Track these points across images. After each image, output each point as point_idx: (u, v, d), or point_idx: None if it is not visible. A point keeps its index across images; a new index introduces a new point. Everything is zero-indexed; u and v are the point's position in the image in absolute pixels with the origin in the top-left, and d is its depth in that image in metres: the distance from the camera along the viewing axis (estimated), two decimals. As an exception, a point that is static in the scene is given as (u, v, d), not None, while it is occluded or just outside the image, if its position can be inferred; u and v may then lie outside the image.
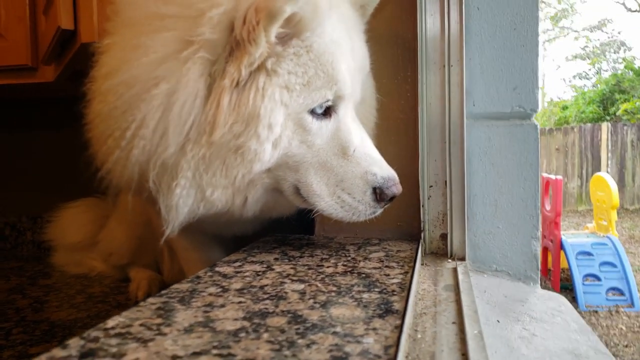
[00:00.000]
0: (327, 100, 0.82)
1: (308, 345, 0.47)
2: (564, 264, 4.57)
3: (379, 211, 0.86)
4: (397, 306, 0.59)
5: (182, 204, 0.79)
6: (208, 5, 0.74)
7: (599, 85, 14.12)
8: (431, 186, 0.98)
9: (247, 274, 0.74)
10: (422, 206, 0.99)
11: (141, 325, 0.52)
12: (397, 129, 1.02)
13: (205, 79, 0.76)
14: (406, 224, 1.01)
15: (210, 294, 0.64)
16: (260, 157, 0.78)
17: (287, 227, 1.09)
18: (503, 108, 0.98)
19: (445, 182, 0.97)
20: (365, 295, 0.63)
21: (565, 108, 14.29)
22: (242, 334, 0.50)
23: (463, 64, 0.95)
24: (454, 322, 0.61)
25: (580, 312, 4.02)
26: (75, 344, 0.47)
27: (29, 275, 1.79)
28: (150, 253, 1.54)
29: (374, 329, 0.52)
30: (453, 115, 0.96)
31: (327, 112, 0.84)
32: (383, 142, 1.00)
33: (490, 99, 0.99)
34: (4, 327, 1.28)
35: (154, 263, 1.58)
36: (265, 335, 0.50)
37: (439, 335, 0.57)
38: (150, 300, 0.61)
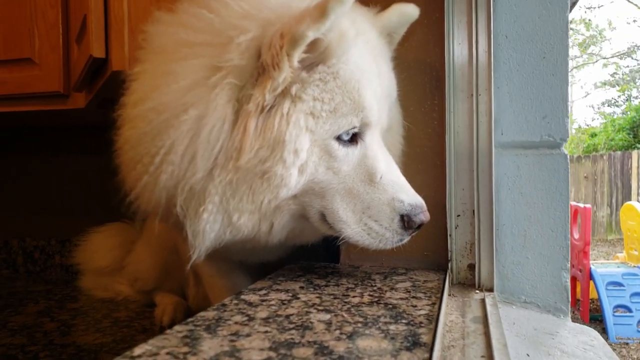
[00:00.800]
0: (354, 127, 0.82)
1: (335, 378, 0.47)
2: (593, 294, 4.44)
3: (406, 239, 0.85)
4: (424, 339, 0.58)
5: (209, 229, 0.79)
6: (236, 33, 0.76)
7: (628, 112, 13.86)
8: (459, 215, 0.97)
9: (272, 302, 0.74)
10: (450, 235, 0.97)
11: (168, 353, 0.52)
12: (424, 157, 1.02)
13: (233, 104, 0.77)
14: (433, 254, 0.99)
15: (236, 323, 0.63)
16: (287, 182, 0.78)
17: (312, 255, 1.09)
18: (532, 137, 0.97)
19: (473, 211, 0.96)
20: (392, 327, 0.62)
21: (594, 135, 14.06)
22: (268, 365, 0.50)
23: (491, 93, 0.94)
24: (482, 356, 0.59)
25: (610, 344, 3.90)
26: (103, 371, 0.47)
27: (57, 298, 1.82)
28: (176, 279, 1.54)
29: (402, 362, 0.51)
30: (481, 143, 0.95)
31: (354, 138, 0.84)
32: (410, 170, 0.99)
33: (519, 127, 0.98)
34: (32, 350, 1.30)
35: (179, 289, 1.58)
36: (292, 367, 0.49)
37: (468, 370, 0.56)
38: (177, 328, 0.61)
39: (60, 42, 1.54)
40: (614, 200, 9.63)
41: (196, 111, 0.75)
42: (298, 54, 0.75)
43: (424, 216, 0.84)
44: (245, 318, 0.65)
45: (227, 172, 0.77)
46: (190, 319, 0.64)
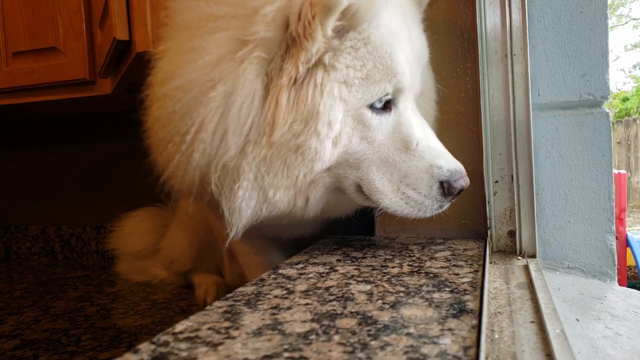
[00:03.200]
0: (387, 94, 0.79)
1: (382, 347, 0.45)
2: (630, 261, 4.33)
3: (446, 205, 0.83)
4: (471, 305, 0.56)
5: (245, 206, 0.78)
6: (262, 3, 0.73)
7: (661, 74, 13.31)
8: (497, 181, 0.94)
9: (310, 275, 0.73)
10: (488, 203, 0.94)
11: (209, 329, 0.52)
12: (459, 123, 0.98)
13: (262, 78, 0.75)
14: (471, 222, 0.97)
15: (275, 297, 0.63)
16: (321, 155, 0.76)
17: (345, 229, 1.07)
18: (571, 97, 0.93)
19: (512, 176, 0.92)
20: (435, 295, 0.60)
21: (625, 100, 13.57)
22: (312, 336, 0.49)
23: (527, 53, 0.90)
24: (532, 321, 0.57)
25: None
26: (146, 348, 0.47)
27: (95, 283, 1.86)
28: (211, 258, 1.55)
29: (450, 329, 0.49)
30: (518, 106, 0.91)
31: (387, 106, 0.81)
32: (444, 137, 0.96)
33: (557, 87, 0.93)
34: (74, 333, 1.33)
35: (216, 268, 1.59)
36: (337, 338, 0.48)
37: (517, 335, 0.54)
38: (217, 304, 0.60)
39: (84, 28, 1.54)
40: (648, 166, 9.34)
41: (224, 87, 0.74)
42: (332, 23, 0.73)
43: (464, 181, 0.81)
44: (285, 292, 0.65)
45: (260, 148, 0.75)
46: (229, 295, 0.64)
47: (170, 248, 1.63)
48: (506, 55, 0.92)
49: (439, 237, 0.97)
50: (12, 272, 2.14)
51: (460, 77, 0.98)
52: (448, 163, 0.81)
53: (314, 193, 0.83)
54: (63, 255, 2.25)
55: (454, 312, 0.54)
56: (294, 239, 1.13)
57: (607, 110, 0.92)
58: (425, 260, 0.79)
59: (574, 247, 0.93)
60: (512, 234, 0.93)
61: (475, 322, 0.50)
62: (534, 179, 0.91)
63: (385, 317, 0.53)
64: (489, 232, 0.95)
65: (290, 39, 0.74)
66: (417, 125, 0.83)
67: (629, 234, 4.42)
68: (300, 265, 0.79)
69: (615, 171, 4.47)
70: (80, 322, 1.42)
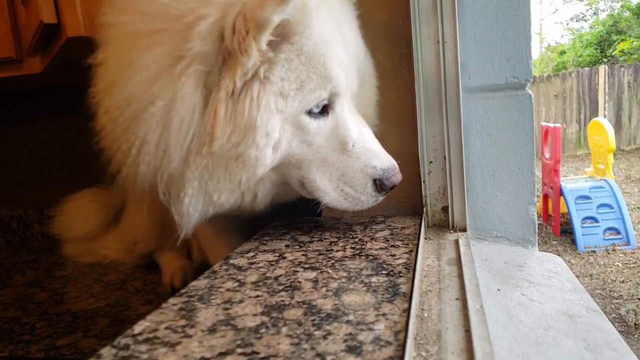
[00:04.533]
0: (323, 100, 0.83)
1: (324, 337, 0.51)
2: (563, 209, 4.68)
3: (381, 199, 0.90)
4: (404, 288, 0.62)
5: (192, 210, 0.83)
6: (195, 18, 0.74)
7: (596, 26, 13.87)
8: (431, 162, 1.01)
9: (260, 264, 0.77)
10: (423, 182, 1.01)
11: (167, 328, 0.56)
12: (396, 108, 1.04)
13: (201, 90, 0.77)
14: (409, 200, 1.04)
15: (228, 290, 0.67)
16: (262, 162, 0.80)
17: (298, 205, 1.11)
18: (498, 80, 0.99)
19: (445, 157, 0.99)
20: (374, 280, 0.66)
21: (562, 53, 14.11)
22: (263, 330, 0.54)
23: (457, 39, 0.95)
24: (457, 298, 0.64)
25: (579, 254, 4.18)
26: (107, 353, 0.51)
27: (44, 267, 1.82)
28: (176, 233, 1.55)
29: (384, 314, 0.55)
30: (449, 90, 0.97)
31: (325, 109, 0.86)
32: (383, 122, 1.02)
33: (485, 71, 1.00)
34: (27, 321, 1.32)
35: (183, 244, 1.58)
36: (284, 330, 0.54)
37: (443, 312, 0.61)
38: (172, 300, 0.64)
39: (5, 4, 1.44)
40: (582, 117, 9.85)
41: (164, 102, 0.75)
42: (266, 38, 0.75)
43: (396, 178, 0.88)
44: (237, 284, 0.69)
45: (202, 157, 0.78)
46: (183, 290, 0.68)
47: (132, 229, 1.61)
48: (438, 42, 0.97)
49: (380, 215, 1.03)
50: (-49, 259, 2.06)
51: (397, 63, 1.02)
52: (382, 162, 0.87)
53: (261, 189, 0.88)
54: (5, 239, 2.18)
55: (389, 296, 0.60)
56: (254, 217, 1.17)
57: (530, 92, 0.99)
58: (367, 242, 0.85)
59: (501, 218, 1.02)
60: (445, 209, 1.01)
61: (406, 305, 0.57)
62: (464, 158, 0.98)
63: (328, 306, 0.59)
64: (424, 209, 1.02)
65: (226, 52, 0.76)
66: (353, 126, 0.88)
67: (562, 184, 4.74)
68: (251, 254, 0.83)
69: (551, 125, 4.71)
70: (33, 309, 1.40)
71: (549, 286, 0.77)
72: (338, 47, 0.84)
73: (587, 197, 4.64)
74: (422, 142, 1.00)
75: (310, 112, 0.83)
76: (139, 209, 1.55)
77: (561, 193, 4.65)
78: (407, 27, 1.00)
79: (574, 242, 4.46)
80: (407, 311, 0.55)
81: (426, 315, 0.61)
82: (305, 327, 0.54)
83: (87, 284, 1.61)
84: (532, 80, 1.00)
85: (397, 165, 0.89)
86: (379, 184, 0.87)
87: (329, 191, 0.87)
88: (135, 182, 0.81)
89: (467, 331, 0.54)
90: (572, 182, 5.04)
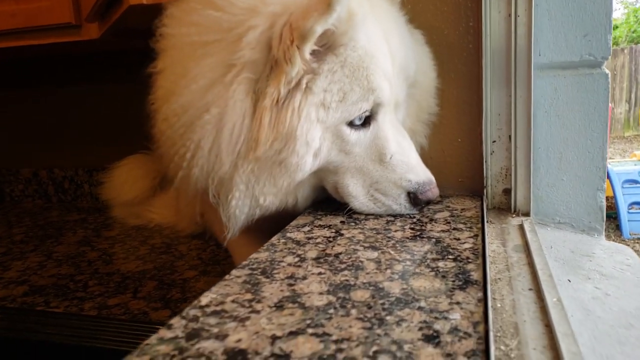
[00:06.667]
0: (365, 111, 0.84)
1: (398, 323, 0.49)
2: (609, 192, 4.51)
3: (416, 211, 0.90)
4: (475, 276, 0.60)
5: (239, 212, 0.86)
6: (245, 29, 0.77)
7: (653, 0, 13.07)
8: (494, 141, 0.96)
9: (318, 240, 0.76)
10: (485, 162, 0.97)
11: (233, 301, 0.55)
12: (460, 83, 0.99)
13: (250, 97, 0.79)
14: (468, 180, 1.00)
15: (289, 264, 0.66)
16: (302, 167, 0.83)
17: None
18: (572, 57, 0.93)
19: (510, 136, 0.95)
20: (440, 264, 0.64)
21: (615, 28, 13.40)
22: (331, 310, 0.53)
23: (532, 13, 0.89)
24: (530, 289, 0.62)
25: (623, 240, 4.04)
26: (178, 324, 0.51)
27: (93, 227, 1.88)
28: None
29: (458, 302, 0.53)
30: (519, 66, 0.91)
31: (366, 121, 0.87)
32: (445, 98, 0.97)
33: (558, 47, 0.94)
34: (81, 279, 1.36)
35: None
36: (354, 312, 0.52)
37: (517, 304, 0.58)
38: (235, 272, 0.64)
39: None
40: (632, 96, 9.41)
41: (217, 109, 0.79)
42: (309, 48, 0.76)
43: (431, 193, 0.88)
44: (297, 259, 0.68)
45: (248, 162, 0.82)
46: (245, 263, 0.67)
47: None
48: (510, 15, 0.91)
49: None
50: (9, 214, 2.15)
51: (463, 36, 0.97)
52: (418, 176, 0.87)
53: (301, 192, 0.91)
54: (57, 197, 2.26)
55: (460, 283, 0.58)
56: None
57: (607, 71, 0.93)
58: (426, 223, 0.83)
59: (566, 204, 0.98)
60: (507, 191, 0.97)
61: (480, 294, 0.55)
62: (531, 139, 0.93)
63: (396, 289, 0.57)
64: (485, 190, 0.98)
65: (273, 61, 0.78)
66: (393, 138, 0.88)
67: (609, 166, 4.56)
68: (307, 228, 0.82)
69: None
70: (84, 268, 1.45)
71: (623, 280, 0.73)
72: (383, 59, 0.83)
73: (635, 181, 4.46)
74: (486, 120, 0.96)
75: (351, 123, 0.85)
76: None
77: (607, 176, 4.50)
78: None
79: (618, 227, 4.31)
80: (484, 301, 0.52)
81: (499, 305, 0.58)
82: (376, 311, 0.52)
83: (134, 246, 1.65)
84: (609, 58, 0.93)
85: (434, 180, 0.89)
86: (413, 197, 0.88)
87: (360, 196, 0.89)
88: (189, 184, 0.86)
89: (547, 326, 0.52)
90: (619, 165, 4.85)
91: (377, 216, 0.89)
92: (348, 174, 0.88)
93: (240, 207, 0.86)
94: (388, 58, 0.85)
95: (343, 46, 0.79)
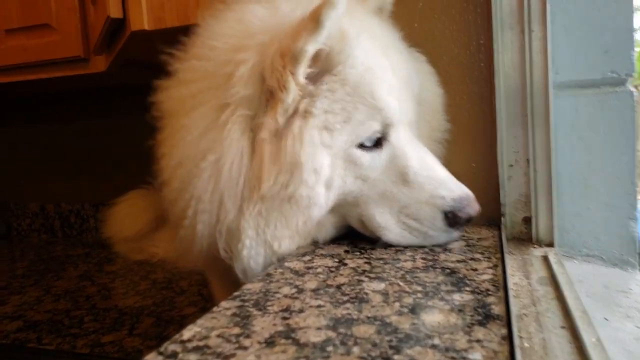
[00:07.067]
0: (375, 132, 0.77)
1: (407, 363, 0.42)
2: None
3: (456, 235, 0.80)
4: (496, 310, 0.52)
5: (253, 264, 0.77)
6: (234, 65, 0.73)
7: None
8: (511, 165, 0.89)
9: (319, 270, 0.69)
10: (502, 188, 0.90)
11: (219, 336, 0.48)
12: (471, 104, 0.93)
13: (248, 135, 0.74)
14: (484, 207, 0.92)
15: (285, 296, 0.59)
16: (315, 201, 0.74)
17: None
18: (592, 75, 0.87)
19: (528, 160, 0.88)
20: (456, 297, 0.57)
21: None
22: (330, 348, 0.45)
23: (547, 27, 0.84)
24: (563, 327, 0.54)
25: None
26: (152, 361, 0.44)
27: (95, 261, 1.85)
28: None
29: (478, 340, 0.45)
30: (536, 85, 0.86)
31: (379, 142, 0.79)
32: (456, 119, 0.92)
33: (577, 65, 0.88)
34: (77, 315, 1.32)
35: None
36: (356, 350, 0.45)
37: (549, 343, 0.50)
38: (224, 304, 0.57)
39: (77, 4, 1.50)
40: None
41: (214, 155, 0.73)
42: (303, 71, 0.71)
43: (472, 209, 0.77)
44: (295, 290, 0.61)
45: (254, 203, 0.74)
46: (236, 294, 0.61)
47: None
48: (523, 31, 0.86)
49: (451, 224, 0.93)
50: (14, 249, 2.12)
51: (474, 55, 0.92)
52: (452, 191, 0.77)
53: (322, 233, 0.82)
54: (63, 232, 2.22)
55: (480, 318, 0.50)
56: None
57: (632, 89, 0.87)
58: (439, 252, 0.75)
59: (594, 235, 0.89)
60: (527, 220, 0.89)
61: (504, 331, 0.47)
62: (552, 163, 0.86)
63: (405, 325, 0.50)
64: (502, 219, 0.91)
65: (268, 92, 0.73)
66: (413, 155, 0.79)
67: None
68: (307, 257, 0.75)
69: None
70: (82, 303, 1.42)
71: (667, 319, 0.64)
72: (386, 74, 0.77)
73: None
74: (501, 143, 0.89)
75: (362, 146, 0.77)
76: None
77: None
78: (488, 16, 0.90)
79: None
80: (509, 339, 0.45)
81: (527, 345, 0.50)
82: (382, 349, 0.45)
83: (135, 281, 1.62)
84: (634, 75, 0.87)
85: (471, 194, 0.78)
86: (451, 217, 0.77)
87: (391, 226, 0.78)
88: (193, 242, 0.78)
89: (585, 369, 0.44)
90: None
91: (384, 245, 0.81)
92: (371, 203, 0.79)
93: (254, 257, 0.76)
94: (390, 72, 0.78)
95: (341, 64, 0.74)
